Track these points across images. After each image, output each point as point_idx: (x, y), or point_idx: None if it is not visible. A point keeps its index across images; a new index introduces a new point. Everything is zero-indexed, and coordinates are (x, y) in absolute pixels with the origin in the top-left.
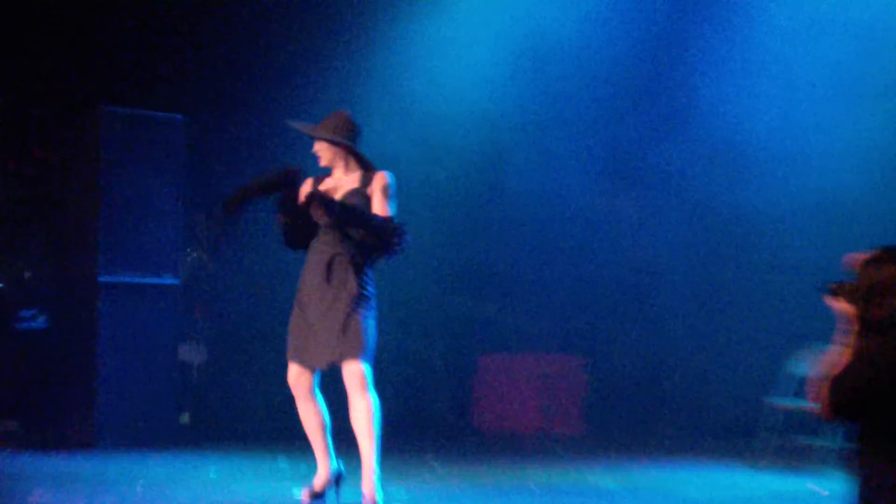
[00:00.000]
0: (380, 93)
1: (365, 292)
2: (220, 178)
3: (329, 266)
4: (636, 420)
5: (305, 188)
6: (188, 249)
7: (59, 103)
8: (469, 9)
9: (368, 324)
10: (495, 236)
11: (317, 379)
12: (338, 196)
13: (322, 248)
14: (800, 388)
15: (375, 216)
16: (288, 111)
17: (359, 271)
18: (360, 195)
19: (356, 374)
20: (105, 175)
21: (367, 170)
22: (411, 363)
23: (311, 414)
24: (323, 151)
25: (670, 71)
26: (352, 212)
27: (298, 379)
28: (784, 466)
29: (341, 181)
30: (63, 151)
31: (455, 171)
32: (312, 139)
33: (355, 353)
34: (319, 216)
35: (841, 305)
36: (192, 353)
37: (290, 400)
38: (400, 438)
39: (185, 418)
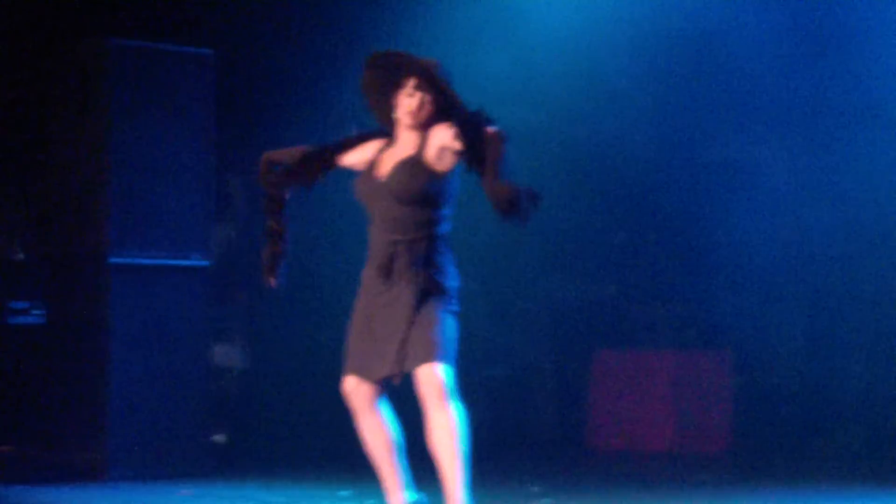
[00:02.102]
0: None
1: (439, 283)
2: (260, 130)
3: (390, 258)
4: (797, 434)
5: (367, 151)
6: (221, 223)
7: (54, 37)
8: None
9: (445, 319)
10: (611, 201)
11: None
12: (385, 169)
13: (380, 236)
14: None
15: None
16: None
17: (428, 258)
18: (413, 167)
19: (432, 381)
20: (115, 127)
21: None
22: (509, 364)
23: (376, 432)
24: (427, 110)
25: None
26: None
27: (357, 389)
28: None
29: (401, 148)
30: (60, 98)
31: (562, 125)
32: (413, 81)
33: (429, 355)
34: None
35: None
36: (228, 355)
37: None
38: (496, 460)
39: (220, 438)
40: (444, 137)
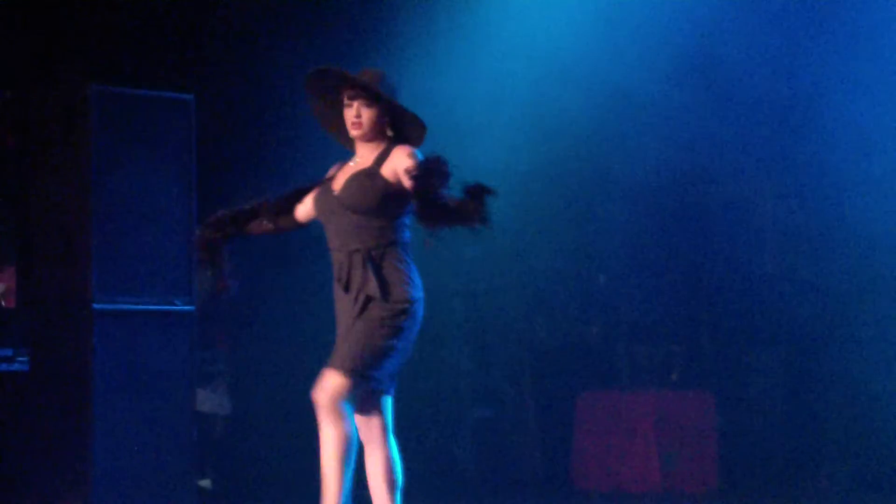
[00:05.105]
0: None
1: (386, 289)
2: (241, 174)
3: (348, 269)
4: (786, 471)
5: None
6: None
7: (36, 82)
8: None
9: (379, 332)
10: (595, 237)
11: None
12: (340, 182)
13: (339, 251)
14: None
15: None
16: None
17: (382, 266)
18: (367, 178)
19: (325, 390)
20: (97, 172)
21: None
22: (493, 406)
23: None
24: (367, 116)
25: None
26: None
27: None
28: None
29: (358, 161)
30: (43, 144)
31: (543, 151)
32: (347, 92)
33: (337, 362)
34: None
35: None
36: (213, 400)
37: None
38: (481, 501)
39: (206, 483)
40: (402, 163)
